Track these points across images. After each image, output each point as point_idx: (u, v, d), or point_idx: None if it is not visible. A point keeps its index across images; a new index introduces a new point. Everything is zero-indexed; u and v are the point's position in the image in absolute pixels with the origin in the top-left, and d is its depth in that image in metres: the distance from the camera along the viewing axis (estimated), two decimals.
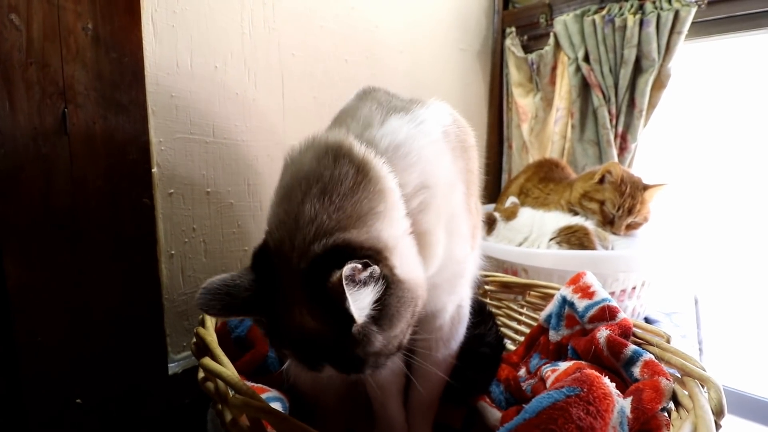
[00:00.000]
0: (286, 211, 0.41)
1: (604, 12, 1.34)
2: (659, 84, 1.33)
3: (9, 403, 0.61)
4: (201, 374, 0.52)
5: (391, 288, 0.38)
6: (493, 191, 1.66)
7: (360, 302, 0.36)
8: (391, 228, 0.41)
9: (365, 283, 0.36)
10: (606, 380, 0.42)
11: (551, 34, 1.46)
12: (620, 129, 1.41)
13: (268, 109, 0.92)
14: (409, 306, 0.41)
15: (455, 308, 0.58)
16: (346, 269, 0.34)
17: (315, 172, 0.41)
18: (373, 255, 0.38)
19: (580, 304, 0.69)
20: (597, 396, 0.38)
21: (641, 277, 0.98)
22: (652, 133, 1.47)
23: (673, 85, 1.36)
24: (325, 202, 0.39)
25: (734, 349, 1.55)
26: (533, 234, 1.09)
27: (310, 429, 0.39)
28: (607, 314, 0.63)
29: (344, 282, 0.33)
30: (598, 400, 0.38)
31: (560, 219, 1.08)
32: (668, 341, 0.58)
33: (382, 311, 0.38)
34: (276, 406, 0.54)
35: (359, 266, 0.35)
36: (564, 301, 0.73)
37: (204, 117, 0.82)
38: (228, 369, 0.50)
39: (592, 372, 0.42)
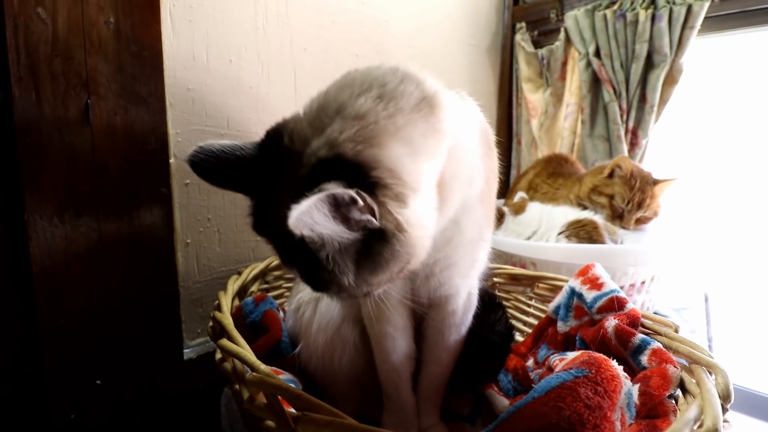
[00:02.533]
0: (333, 99, 0.38)
1: (615, 7, 1.33)
2: (671, 79, 1.32)
3: (31, 384, 0.63)
4: (218, 355, 0.54)
5: (386, 234, 0.35)
6: (501, 186, 1.65)
7: (330, 233, 0.32)
8: (423, 171, 0.38)
9: (346, 215, 0.32)
10: (614, 363, 0.43)
11: (562, 29, 1.46)
12: (631, 124, 1.41)
13: (281, 102, 0.94)
14: (399, 261, 0.37)
15: (467, 294, 0.60)
16: (330, 191, 0.30)
17: (381, 79, 0.39)
18: (386, 185, 0.35)
19: (589, 295, 0.69)
20: (605, 377, 0.39)
21: (650, 272, 0.98)
22: (664, 128, 1.46)
23: (685, 80, 1.35)
24: (379, 106, 0.36)
25: (744, 347, 1.53)
26: (542, 228, 1.10)
27: (323, 404, 0.41)
28: (615, 305, 0.64)
29: (320, 203, 0.30)
30: (606, 381, 0.39)
31: (569, 213, 1.08)
32: (677, 331, 0.58)
33: (366, 253, 0.36)
34: None
35: (353, 195, 0.31)
36: (573, 292, 0.73)
37: (219, 110, 0.84)
38: (245, 349, 0.52)
39: (600, 355, 0.43)
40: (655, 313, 1.10)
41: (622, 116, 1.40)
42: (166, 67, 0.74)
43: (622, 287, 0.98)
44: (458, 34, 1.42)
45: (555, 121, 1.60)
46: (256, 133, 0.91)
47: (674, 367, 0.50)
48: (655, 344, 0.55)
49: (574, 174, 1.25)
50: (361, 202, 0.32)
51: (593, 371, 0.39)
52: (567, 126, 1.54)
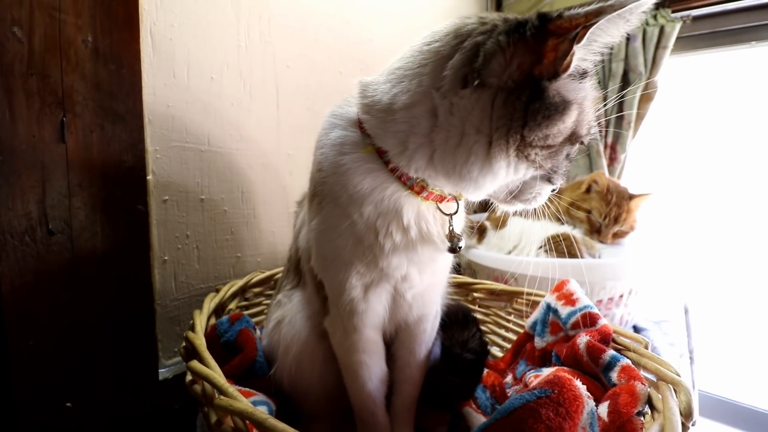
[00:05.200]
0: None
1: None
2: (647, 97, 1.36)
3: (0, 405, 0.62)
4: (189, 377, 0.54)
5: None
6: (486, 200, 1.68)
7: None
8: None
9: None
10: (578, 382, 0.43)
11: None
12: (610, 140, 1.45)
13: (263, 119, 0.94)
14: None
15: (435, 313, 0.62)
16: None
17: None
18: None
19: (563, 311, 0.70)
20: (567, 398, 0.39)
21: (628, 286, 1.00)
22: (644, 143, 1.50)
23: (662, 97, 1.40)
24: None
25: (725, 358, 1.56)
26: (522, 242, 1.11)
27: (288, 429, 0.41)
28: (588, 320, 0.65)
29: None
30: (568, 402, 0.39)
31: (548, 228, 1.10)
32: (646, 347, 0.59)
33: None
34: (261, 409, 0.55)
35: None
36: (548, 308, 0.74)
37: (199, 126, 0.84)
38: (215, 372, 0.51)
39: (565, 374, 0.44)
40: (634, 326, 1.12)
41: (600, 132, 1.43)
42: (145, 84, 0.74)
43: (600, 301, 1.00)
44: None
45: None
46: (237, 149, 0.92)
47: (642, 384, 0.51)
48: (625, 361, 0.56)
49: None
50: None
51: (556, 391, 0.40)
52: None
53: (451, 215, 0.52)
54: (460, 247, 0.51)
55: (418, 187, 0.49)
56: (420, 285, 0.57)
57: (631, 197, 1.10)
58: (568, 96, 0.41)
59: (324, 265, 0.55)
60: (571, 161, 0.48)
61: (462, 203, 0.55)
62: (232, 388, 0.48)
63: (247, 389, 0.59)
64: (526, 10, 1.59)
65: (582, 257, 1.02)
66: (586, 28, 0.36)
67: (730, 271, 1.50)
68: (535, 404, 0.38)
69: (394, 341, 0.63)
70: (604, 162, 1.44)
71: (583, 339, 0.61)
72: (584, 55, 0.41)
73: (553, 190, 0.51)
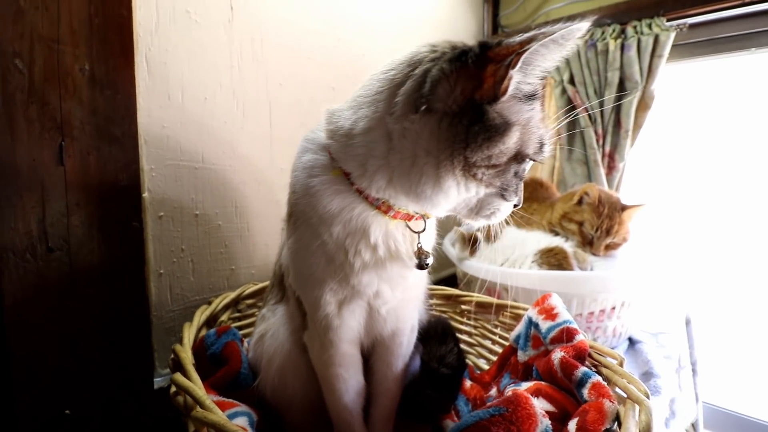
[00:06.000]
0: None
1: (587, 36, 1.38)
2: (643, 105, 1.36)
3: (1, 412, 0.65)
4: (173, 389, 0.56)
5: None
6: None
7: None
8: None
9: None
10: (534, 401, 0.44)
11: None
12: (608, 149, 1.44)
13: (256, 136, 0.98)
14: None
15: (411, 327, 0.63)
16: None
17: None
18: None
19: (544, 325, 0.71)
20: (520, 416, 0.41)
21: (620, 298, 0.99)
22: (642, 151, 1.49)
23: (661, 104, 1.39)
24: None
25: (731, 369, 1.52)
26: (515, 253, 1.11)
27: None
28: (564, 336, 0.65)
29: None
30: (521, 420, 0.40)
31: (541, 240, 1.10)
32: (621, 364, 0.60)
33: None
34: (242, 420, 0.58)
35: None
36: (530, 322, 0.75)
37: (194, 144, 0.88)
38: (195, 385, 0.54)
39: (522, 393, 0.45)
40: (629, 338, 1.11)
41: (598, 141, 1.43)
42: (141, 107, 0.78)
43: (591, 313, 1.00)
44: None
45: None
46: (231, 166, 0.95)
47: (611, 401, 0.52)
48: (596, 378, 0.56)
49: (548, 199, 1.28)
50: None
51: (510, 410, 0.41)
52: None
53: (418, 233, 0.53)
54: (427, 264, 0.53)
55: (384, 207, 0.51)
56: (393, 301, 0.59)
57: (624, 208, 1.10)
58: (510, 118, 0.43)
59: (300, 282, 0.58)
60: (521, 179, 0.49)
61: (431, 221, 0.57)
62: (209, 401, 0.50)
63: (230, 400, 0.61)
64: (521, 21, 1.60)
65: (573, 270, 1.02)
66: (520, 54, 0.38)
67: (733, 280, 1.47)
68: (488, 422, 0.39)
69: (372, 355, 0.65)
70: (602, 171, 1.43)
71: (557, 355, 0.62)
72: (526, 78, 0.43)
73: (516, 206, 0.52)
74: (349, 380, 0.60)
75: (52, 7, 0.65)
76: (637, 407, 0.48)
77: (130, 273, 0.78)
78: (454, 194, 0.46)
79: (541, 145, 0.46)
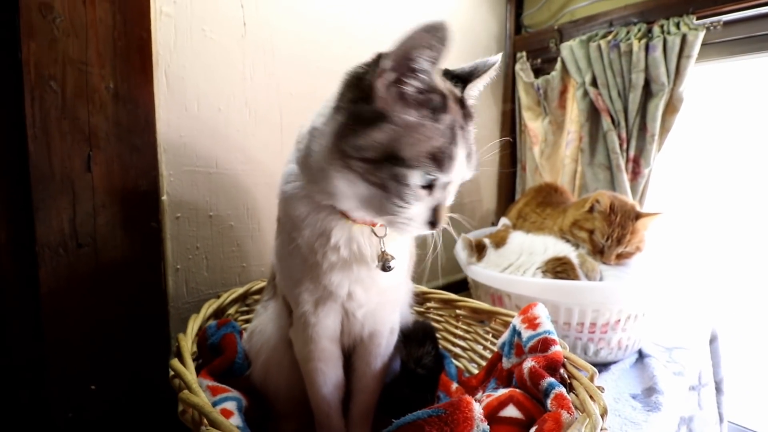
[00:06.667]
0: None
1: (610, 37, 1.33)
2: (672, 108, 1.29)
3: (33, 387, 0.76)
4: (171, 372, 0.64)
5: None
6: (504, 213, 1.67)
7: None
8: None
9: None
10: (475, 406, 0.46)
11: (559, 59, 1.47)
12: (632, 153, 1.38)
13: (268, 142, 1.04)
14: None
15: (390, 330, 0.67)
16: None
17: None
18: None
19: (525, 334, 0.72)
20: (456, 419, 0.43)
21: (626, 310, 0.96)
22: (671, 157, 1.42)
23: (694, 106, 1.31)
24: None
25: (757, 388, 1.41)
26: (521, 259, 1.11)
27: (225, 422, 0.48)
28: (540, 346, 0.66)
29: None
30: (455, 423, 0.42)
31: (549, 247, 1.09)
32: (592, 378, 0.60)
33: None
34: (230, 404, 0.64)
35: None
36: (514, 330, 0.76)
37: (208, 151, 0.96)
38: (188, 370, 0.61)
39: (466, 398, 0.47)
40: (639, 351, 1.07)
41: (621, 145, 1.38)
42: (160, 118, 0.87)
43: (594, 324, 0.97)
44: (455, 66, 1.47)
45: (556, 149, 1.59)
46: (243, 170, 1.03)
47: (569, 413, 0.52)
48: (560, 389, 0.57)
49: (563, 204, 1.25)
50: None
51: (449, 412, 0.43)
52: (568, 154, 1.53)
53: (381, 237, 0.57)
54: (389, 267, 0.56)
55: (346, 212, 0.55)
56: (369, 304, 0.62)
57: (638, 216, 1.06)
58: (384, 115, 0.46)
59: (283, 281, 0.63)
60: (406, 186, 0.47)
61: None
62: (196, 386, 0.57)
63: (223, 386, 0.68)
64: (546, 20, 1.56)
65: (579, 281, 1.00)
66: (383, 58, 0.46)
67: (765, 294, 1.36)
68: (424, 422, 0.42)
69: (353, 353, 0.69)
70: (626, 177, 1.37)
71: (527, 364, 0.62)
72: (414, 83, 0.46)
73: (433, 224, 0.52)
74: (329, 373, 0.64)
75: (82, 34, 0.74)
76: (587, 419, 0.48)
77: (149, 268, 0.87)
78: (342, 186, 0.49)
79: (435, 159, 0.46)
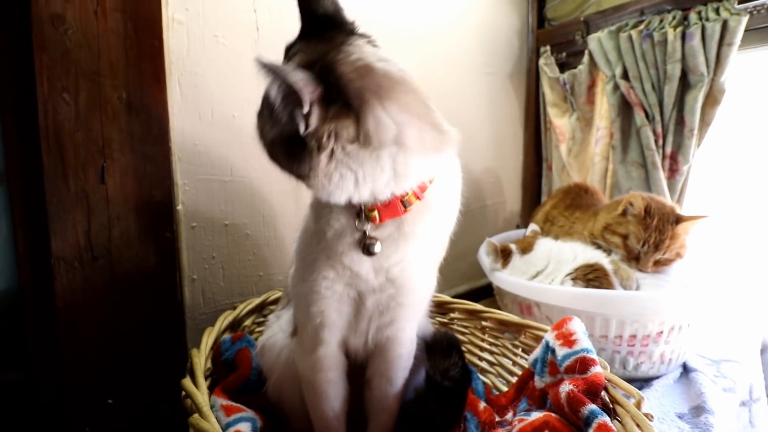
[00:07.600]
0: None
1: (642, 26, 1.24)
2: (712, 100, 1.20)
3: (52, 401, 0.76)
4: (183, 392, 0.61)
5: None
6: (529, 215, 1.60)
7: None
8: None
9: None
10: None
11: (586, 52, 1.39)
12: (669, 150, 1.29)
13: None
14: None
15: (410, 339, 0.62)
16: None
17: None
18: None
19: (560, 351, 0.66)
20: None
21: (668, 322, 0.89)
22: (714, 153, 1.32)
23: (735, 98, 1.21)
24: None
25: None
26: (549, 267, 1.04)
27: None
28: (578, 367, 0.60)
29: None
30: None
31: (578, 253, 1.02)
32: (638, 405, 0.54)
33: None
34: (245, 426, 0.60)
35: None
36: (547, 346, 0.70)
37: (223, 159, 0.94)
38: (200, 391, 0.58)
39: None
40: (684, 365, 0.98)
41: (657, 141, 1.29)
42: (174, 126, 0.85)
43: (634, 336, 0.90)
44: (474, 64, 1.42)
45: (585, 147, 1.51)
46: (258, 178, 1.00)
47: None
48: (603, 418, 0.51)
49: (593, 206, 1.17)
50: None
51: None
52: (598, 151, 1.45)
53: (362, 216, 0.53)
54: (372, 252, 0.52)
55: None
56: (379, 291, 0.56)
57: (679, 220, 0.97)
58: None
59: (297, 273, 0.60)
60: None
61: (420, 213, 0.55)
62: (207, 408, 0.54)
63: (238, 405, 0.65)
64: (570, 12, 1.49)
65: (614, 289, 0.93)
66: None
67: None
68: None
69: (369, 367, 0.63)
70: (662, 175, 1.28)
71: (565, 388, 0.57)
72: None
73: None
74: (340, 385, 0.60)
75: (93, 45, 0.73)
76: None
77: (165, 278, 0.86)
78: None
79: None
